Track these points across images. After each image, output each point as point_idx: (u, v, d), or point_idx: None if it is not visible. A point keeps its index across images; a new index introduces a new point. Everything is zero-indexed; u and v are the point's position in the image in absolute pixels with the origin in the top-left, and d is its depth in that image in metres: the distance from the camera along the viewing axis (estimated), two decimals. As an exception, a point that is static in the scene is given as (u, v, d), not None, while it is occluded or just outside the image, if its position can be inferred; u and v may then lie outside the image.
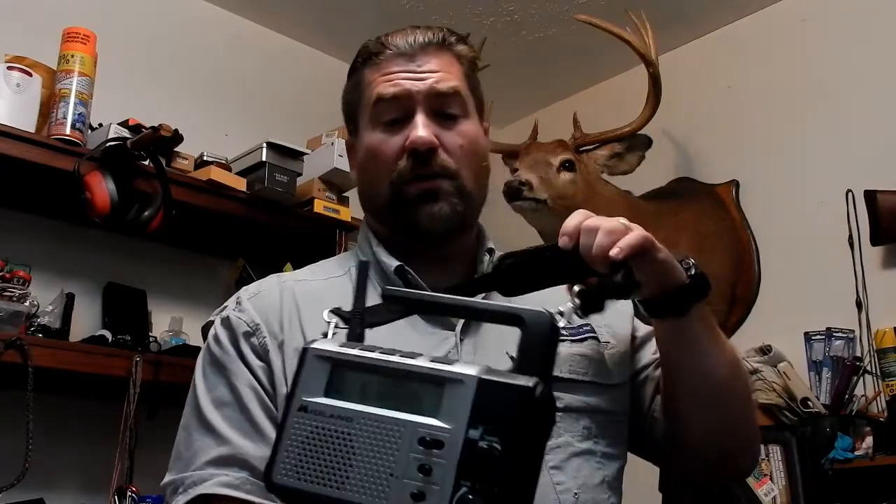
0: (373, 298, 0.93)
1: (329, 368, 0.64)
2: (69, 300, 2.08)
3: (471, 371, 0.60)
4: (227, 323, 1.02)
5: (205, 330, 1.09)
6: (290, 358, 0.97)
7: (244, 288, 1.10)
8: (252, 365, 0.98)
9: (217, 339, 1.02)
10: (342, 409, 0.62)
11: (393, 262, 1.03)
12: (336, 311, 0.96)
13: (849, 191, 2.36)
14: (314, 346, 0.66)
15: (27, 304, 1.91)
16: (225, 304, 1.08)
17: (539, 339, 0.62)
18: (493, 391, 0.59)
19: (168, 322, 2.34)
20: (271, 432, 0.92)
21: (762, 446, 2.16)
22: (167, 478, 0.98)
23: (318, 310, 0.98)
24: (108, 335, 2.05)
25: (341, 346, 0.66)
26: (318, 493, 0.61)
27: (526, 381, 0.59)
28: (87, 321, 2.19)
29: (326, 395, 0.63)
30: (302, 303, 1.01)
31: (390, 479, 0.59)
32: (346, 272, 1.07)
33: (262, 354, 0.98)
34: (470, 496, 0.57)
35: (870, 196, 2.27)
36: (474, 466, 0.57)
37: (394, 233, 1.06)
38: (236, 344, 1.00)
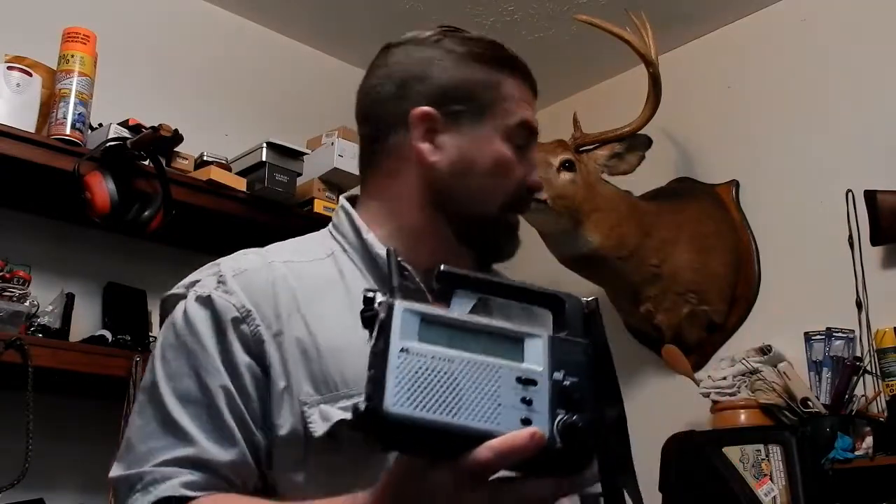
0: (365, 280, 0.95)
1: (418, 321, 0.68)
2: (69, 300, 2.08)
3: (540, 331, 0.72)
4: (207, 303, 0.92)
5: (168, 303, 0.98)
6: (290, 350, 0.91)
7: (221, 261, 0.99)
8: (234, 361, 0.89)
9: (189, 321, 0.92)
10: (442, 353, 0.67)
11: (382, 250, 0.97)
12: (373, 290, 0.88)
13: (849, 191, 2.36)
14: (399, 302, 0.69)
15: (27, 304, 1.91)
16: (195, 278, 0.97)
17: (576, 317, 0.75)
18: (562, 345, 0.72)
19: (168, 322, 2.34)
20: (239, 437, 0.88)
21: (763, 446, 2.16)
22: (116, 471, 0.90)
23: (317, 297, 0.94)
24: (108, 335, 2.06)
25: (424, 306, 0.70)
26: (434, 419, 0.65)
27: (583, 340, 0.73)
28: (87, 321, 2.19)
29: (423, 342, 0.67)
30: (299, 289, 0.94)
31: (498, 408, 0.66)
32: (330, 255, 1.01)
33: (253, 345, 0.90)
34: (569, 419, 0.67)
35: (870, 196, 2.27)
36: (563, 399, 0.68)
37: (462, 240, 1.01)
38: (219, 332, 0.90)
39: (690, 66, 2.92)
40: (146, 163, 2.03)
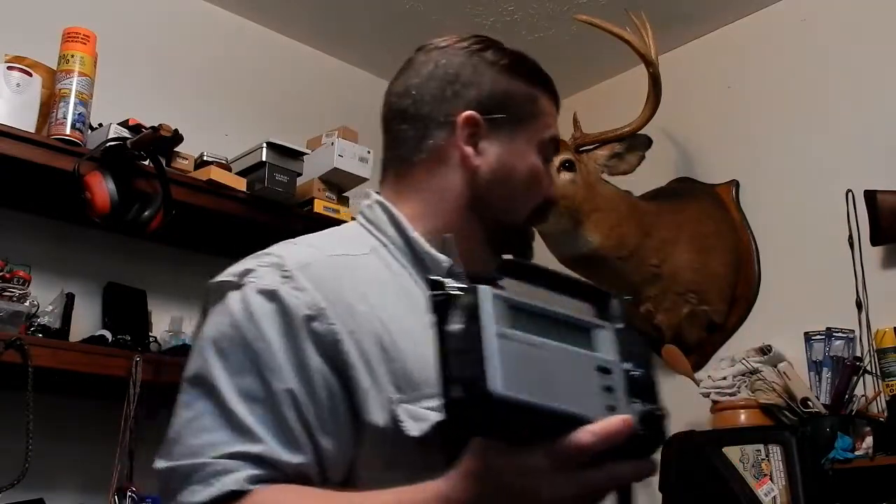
0: (412, 278, 0.96)
1: (505, 307, 0.69)
2: (69, 300, 2.08)
3: (603, 321, 0.76)
4: (274, 298, 0.88)
5: (215, 291, 0.94)
6: (369, 348, 0.88)
7: (275, 252, 0.95)
8: (306, 363, 0.86)
9: (252, 314, 0.88)
10: (531, 339, 0.69)
11: (443, 259, 0.97)
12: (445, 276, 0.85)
13: (849, 191, 2.36)
14: (485, 287, 0.70)
15: (27, 304, 1.91)
16: (247, 267, 0.93)
17: (621, 313, 0.78)
18: (625, 337, 0.75)
19: (168, 322, 2.34)
20: (305, 442, 0.84)
21: (763, 446, 2.16)
22: (163, 463, 0.87)
23: (379, 293, 0.92)
24: (108, 335, 2.05)
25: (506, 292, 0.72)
26: (535, 402, 0.66)
27: (641, 333, 0.78)
28: (87, 321, 2.19)
29: (513, 327, 0.69)
30: (361, 284, 0.92)
31: (585, 394, 0.70)
32: (371, 251, 0.99)
33: (329, 346, 0.86)
34: (649, 408, 0.72)
35: (870, 196, 2.27)
36: (635, 388, 0.72)
37: (490, 243, 1.04)
38: (289, 331, 0.86)
39: (690, 66, 2.92)
40: (146, 163, 2.03)
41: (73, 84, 1.98)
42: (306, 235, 1.03)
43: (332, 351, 0.87)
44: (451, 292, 0.70)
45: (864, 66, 2.50)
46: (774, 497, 2.12)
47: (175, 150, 2.16)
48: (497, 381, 0.65)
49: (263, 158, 2.26)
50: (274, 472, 0.82)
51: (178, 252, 2.47)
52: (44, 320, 1.96)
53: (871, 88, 2.47)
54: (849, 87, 2.52)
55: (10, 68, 1.94)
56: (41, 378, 1.82)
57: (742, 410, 2.26)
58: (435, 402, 0.83)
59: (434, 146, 1.03)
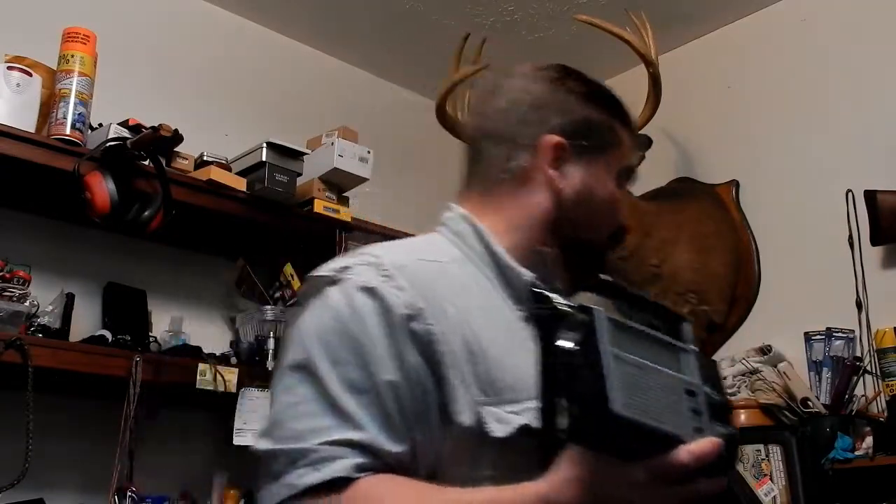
0: (495, 290, 1.01)
1: (613, 328, 0.75)
2: (69, 300, 2.08)
3: (688, 345, 0.80)
4: (374, 295, 0.92)
5: (314, 284, 0.98)
6: (459, 350, 0.92)
7: (372, 251, 0.99)
8: (404, 358, 0.90)
9: (355, 309, 0.91)
10: (637, 360, 0.74)
11: (525, 273, 1.03)
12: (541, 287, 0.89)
13: (849, 191, 2.36)
14: (598, 309, 0.76)
15: (27, 304, 1.91)
16: (345, 264, 0.97)
17: (693, 337, 0.83)
18: (703, 361, 0.80)
19: (168, 322, 2.34)
20: (404, 433, 0.88)
21: (763, 446, 2.16)
22: (266, 445, 0.89)
23: (467, 299, 0.97)
24: (108, 335, 2.05)
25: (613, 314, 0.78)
26: (650, 424, 0.73)
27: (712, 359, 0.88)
28: (87, 321, 2.19)
29: (619, 349, 0.74)
30: (451, 289, 0.97)
31: (679, 415, 0.75)
32: (456, 261, 1.03)
33: (425, 344, 0.90)
34: (729, 431, 0.78)
35: (870, 196, 2.27)
36: (715, 411, 0.78)
37: (567, 262, 1.07)
38: (389, 327, 0.90)
39: (690, 66, 2.92)
40: (146, 163, 2.03)
41: (73, 84, 1.98)
42: (392, 242, 1.08)
43: (427, 349, 0.91)
44: (562, 308, 0.75)
45: (864, 66, 2.50)
46: (774, 497, 2.12)
47: (175, 150, 2.16)
48: (618, 401, 0.71)
49: (263, 158, 2.26)
50: (376, 461, 0.86)
51: (178, 252, 2.47)
52: (44, 320, 1.96)
53: (871, 88, 2.47)
54: (849, 87, 2.52)
55: (10, 68, 1.94)
56: (41, 378, 1.82)
57: (742, 410, 2.26)
58: (519, 407, 0.90)
59: (519, 167, 1.07)
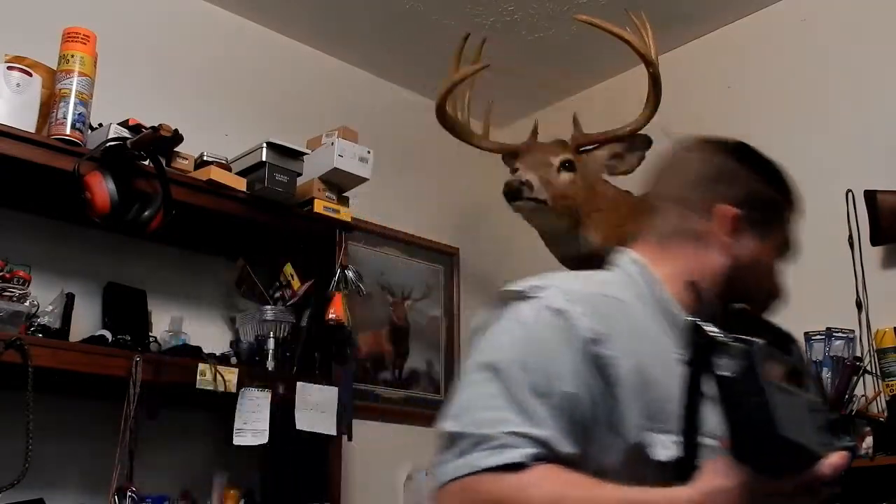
0: (662, 331, 1.12)
1: (762, 356, 0.85)
2: (69, 300, 2.08)
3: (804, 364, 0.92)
4: (562, 316, 1.05)
5: (506, 296, 1.11)
6: (631, 377, 1.04)
7: (557, 277, 1.13)
8: (583, 377, 1.02)
9: (544, 325, 1.05)
10: (782, 385, 0.85)
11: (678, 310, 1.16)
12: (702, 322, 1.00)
13: (849, 191, 2.36)
14: (757, 341, 0.87)
15: (27, 304, 1.91)
16: (536, 283, 1.10)
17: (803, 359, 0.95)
18: (815, 380, 0.91)
19: (168, 322, 2.34)
20: (577, 439, 1.00)
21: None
22: (453, 426, 1.01)
23: (639, 334, 1.09)
24: (108, 335, 2.05)
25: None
26: (802, 443, 0.83)
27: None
28: (87, 321, 2.19)
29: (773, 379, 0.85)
30: (626, 323, 1.09)
31: (813, 433, 0.85)
32: (630, 299, 1.15)
33: (602, 367, 1.03)
34: (848, 444, 0.88)
35: (870, 196, 2.27)
36: (834, 426, 0.88)
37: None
38: (573, 345, 1.03)
39: (690, 66, 2.92)
40: (146, 163, 2.03)
41: (73, 84, 1.98)
42: (573, 274, 1.24)
43: (604, 371, 1.03)
44: (722, 339, 0.86)
45: (864, 66, 2.50)
46: (774, 497, 2.12)
47: (175, 150, 2.16)
48: (783, 426, 0.81)
49: (263, 158, 2.26)
50: (551, 456, 0.97)
51: (178, 252, 2.47)
52: (44, 320, 1.96)
53: (871, 88, 2.47)
54: (849, 87, 2.52)
55: (10, 68, 1.94)
56: (41, 378, 1.82)
57: (742, 410, 2.26)
58: (678, 439, 1.02)
59: (696, 229, 1.19)
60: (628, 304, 1.13)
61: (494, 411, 0.99)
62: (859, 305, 2.29)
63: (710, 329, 0.87)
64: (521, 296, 1.09)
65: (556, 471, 0.97)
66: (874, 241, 2.29)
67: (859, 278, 2.32)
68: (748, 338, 0.85)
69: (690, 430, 0.97)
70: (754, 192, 1.21)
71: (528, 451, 0.96)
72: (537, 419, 0.98)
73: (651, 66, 2.36)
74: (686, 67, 2.90)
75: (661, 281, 1.17)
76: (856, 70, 2.51)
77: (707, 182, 1.22)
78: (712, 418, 0.97)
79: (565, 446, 0.98)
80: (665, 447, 1.03)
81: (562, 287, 1.09)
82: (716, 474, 0.91)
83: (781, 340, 0.93)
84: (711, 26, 2.89)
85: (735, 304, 0.95)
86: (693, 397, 0.94)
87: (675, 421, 1.02)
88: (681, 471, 0.97)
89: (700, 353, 0.86)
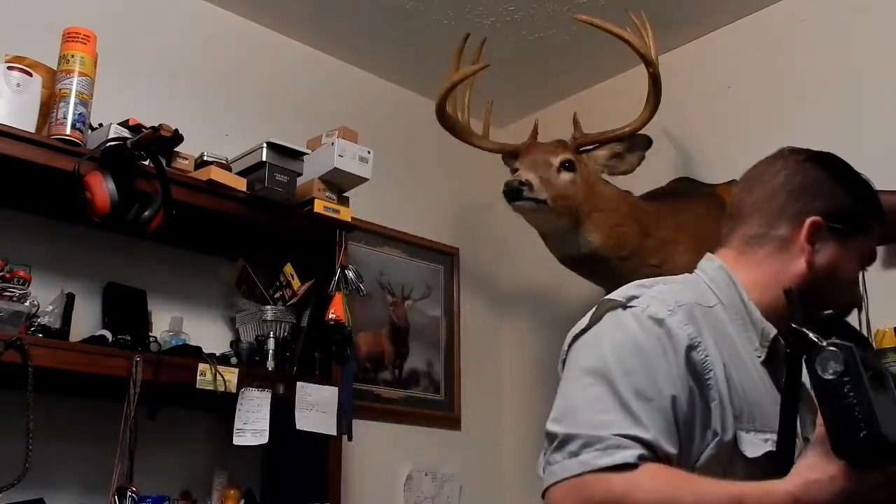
0: (746, 336, 1.20)
1: (858, 359, 0.92)
2: (69, 300, 2.08)
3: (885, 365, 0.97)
4: (662, 325, 1.12)
5: (608, 306, 1.17)
6: (722, 381, 1.12)
7: (652, 286, 1.20)
8: (684, 381, 1.09)
9: (647, 332, 1.12)
10: (875, 386, 0.91)
11: (772, 331, 1.22)
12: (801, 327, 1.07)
13: (849, 191, 2.36)
14: (851, 346, 0.93)
15: (27, 304, 1.91)
16: (632, 294, 1.17)
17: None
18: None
19: (168, 322, 2.34)
20: (677, 439, 1.08)
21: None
22: (560, 428, 1.07)
23: (725, 340, 1.17)
24: (108, 335, 2.05)
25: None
26: None
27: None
28: (87, 321, 2.19)
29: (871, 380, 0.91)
30: (714, 329, 1.17)
31: None
32: (716, 306, 1.22)
33: (700, 372, 1.11)
34: None
35: (870, 196, 2.27)
36: None
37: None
38: (675, 353, 1.10)
39: (690, 66, 2.92)
40: (146, 163, 2.03)
41: (74, 84, 1.98)
42: (666, 281, 1.28)
43: (700, 376, 1.12)
44: (826, 344, 0.93)
45: (863, 66, 2.50)
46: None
47: (175, 150, 2.16)
48: (886, 425, 0.88)
49: (263, 158, 2.26)
50: (655, 457, 1.04)
51: (178, 252, 2.47)
52: (44, 320, 1.96)
53: (870, 88, 2.47)
54: (849, 87, 2.52)
55: (10, 68, 1.94)
56: (41, 378, 1.82)
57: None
58: (765, 436, 1.12)
59: (781, 236, 1.26)
60: (716, 311, 1.21)
61: (602, 414, 1.06)
62: (859, 305, 2.29)
63: (813, 335, 0.95)
64: (620, 305, 1.16)
65: (663, 470, 1.04)
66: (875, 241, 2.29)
67: (859, 278, 2.32)
68: (845, 342, 0.92)
69: (789, 427, 1.06)
70: (839, 203, 1.27)
71: (637, 451, 1.03)
72: (642, 422, 1.05)
73: (651, 66, 2.36)
74: (686, 67, 2.90)
75: (744, 288, 1.24)
76: (855, 70, 2.51)
77: (794, 192, 1.28)
78: (805, 417, 1.11)
79: (667, 447, 1.05)
80: (754, 445, 1.11)
81: (659, 297, 1.17)
82: (811, 468, 0.98)
83: (864, 343, 0.98)
84: (711, 26, 2.89)
85: (824, 311, 1.01)
86: (793, 397, 1.04)
87: (763, 419, 1.12)
88: (776, 466, 1.05)
89: (801, 356, 0.95)
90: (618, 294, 1.20)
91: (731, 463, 1.11)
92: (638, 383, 1.08)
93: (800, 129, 2.60)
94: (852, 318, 2.31)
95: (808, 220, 1.24)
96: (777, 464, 1.06)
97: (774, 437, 1.12)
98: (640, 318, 1.13)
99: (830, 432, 0.93)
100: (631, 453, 1.02)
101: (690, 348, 1.11)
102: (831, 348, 0.93)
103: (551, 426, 1.10)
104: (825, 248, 1.25)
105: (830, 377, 0.91)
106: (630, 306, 1.15)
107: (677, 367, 1.10)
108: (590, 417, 1.07)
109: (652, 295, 1.17)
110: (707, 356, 1.12)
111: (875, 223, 1.32)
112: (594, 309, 1.20)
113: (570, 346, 1.20)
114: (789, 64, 2.68)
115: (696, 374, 1.11)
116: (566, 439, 1.06)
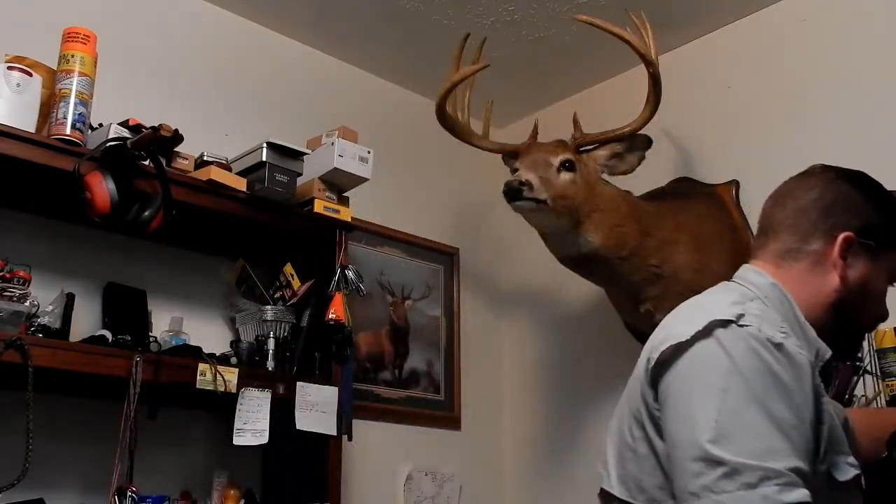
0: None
1: None
2: (69, 300, 2.08)
3: None
4: (782, 350, 1.13)
5: (716, 324, 1.15)
6: (829, 412, 1.16)
7: (746, 305, 1.19)
8: (811, 406, 1.12)
9: (776, 358, 1.11)
10: None
11: (828, 351, 1.27)
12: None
13: (849, 191, 2.35)
14: None
15: (27, 304, 1.91)
16: (740, 312, 1.16)
17: None
18: None
19: (168, 322, 2.34)
20: (812, 471, 1.09)
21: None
22: (721, 452, 1.04)
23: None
24: (108, 335, 2.05)
25: None
26: None
27: None
28: (87, 321, 2.19)
29: None
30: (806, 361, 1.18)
31: None
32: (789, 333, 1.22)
33: (817, 396, 1.14)
34: None
35: (870, 196, 2.27)
36: None
37: (836, 338, 1.30)
38: (802, 378, 1.12)
39: (690, 66, 2.92)
40: (146, 163, 2.03)
41: (74, 84, 1.98)
42: (744, 294, 1.27)
43: (818, 400, 1.14)
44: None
45: (863, 66, 2.50)
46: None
47: (175, 150, 2.16)
48: None
49: (263, 158, 2.26)
50: (807, 490, 1.05)
51: (178, 252, 2.47)
52: (44, 320, 1.96)
53: (870, 88, 2.47)
54: (849, 87, 2.52)
55: (10, 68, 1.94)
56: (41, 378, 1.82)
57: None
58: (850, 459, 1.17)
59: (814, 251, 1.30)
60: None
61: (761, 440, 1.05)
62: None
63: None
64: (731, 322, 1.15)
65: None
66: (874, 241, 2.29)
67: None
68: None
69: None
70: (870, 219, 1.31)
71: (806, 490, 1.04)
72: (799, 451, 1.06)
73: (651, 66, 2.36)
74: (686, 67, 2.90)
75: (800, 310, 1.27)
76: (855, 70, 2.51)
77: (826, 208, 1.31)
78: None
79: (810, 475, 1.07)
80: (843, 469, 1.16)
81: (763, 315, 1.17)
82: None
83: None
84: (711, 26, 2.90)
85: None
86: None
87: (842, 442, 1.17)
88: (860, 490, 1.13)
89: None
90: (719, 310, 1.17)
91: (827, 490, 1.13)
92: (784, 411, 1.08)
93: (800, 130, 2.60)
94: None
95: (841, 236, 1.27)
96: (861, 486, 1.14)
97: (850, 460, 1.17)
98: (761, 340, 1.13)
99: None
100: (804, 493, 1.03)
101: (811, 374, 1.14)
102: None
103: (714, 450, 1.06)
104: (857, 264, 1.29)
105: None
106: (743, 324, 1.14)
107: (805, 393, 1.11)
108: (755, 444, 1.05)
109: (755, 313, 1.17)
110: (819, 382, 1.15)
111: None
112: (686, 321, 1.18)
113: (666, 356, 1.17)
114: (789, 64, 2.68)
115: (816, 398, 1.13)
116: (739, 468, 1.04)
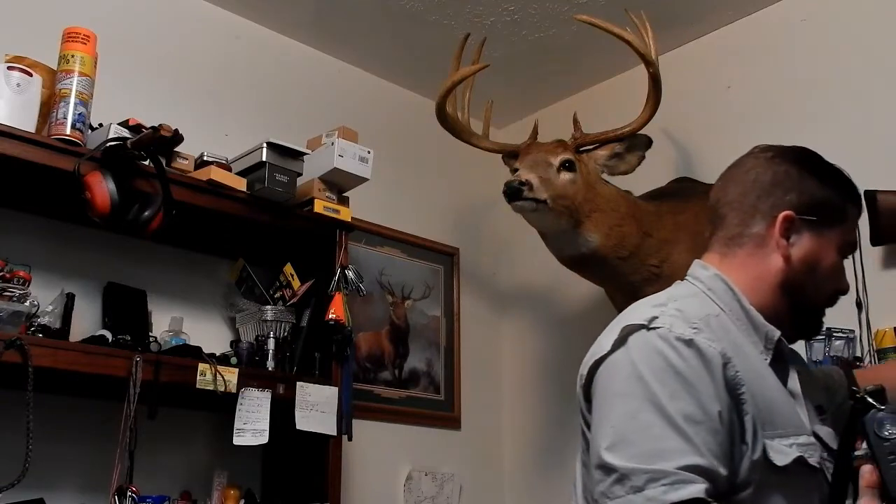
0: (751, 340, 1.21)
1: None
2: (69, 300, 2.08)
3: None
4: (692, 345, 1.12)
5: (626, 330, 1.15)
6: (749, 393, 1.13)
7: (670, 303, 1.20)
8: (722, 398, 1.10)
9: (680, 355, 1.10)
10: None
11: (776, 333, 1.25)
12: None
13: (849, 191, 2.36)
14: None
15: (27, 304, 1.91)
16: (651, 315, 1.16)
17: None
18: None
19: (168, 322, 2.34)
20: (726, 459, 1.08)
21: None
22: (614, 458, 1.05)
23: (742, 350, 1.17)
24: (108, 335, 2.05)
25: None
26: None
27: None
28: (87, 321, 2.19)
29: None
30: (734, 339, 1.19)
31: None
32: (722, 314, 1.23)
33: (733, 387, 1.12)
34: None
35: (870, 196, 2.27)
36: None
37: (792, 319, 1.29)
38: (710, 372, 1.10)
39: (690, 66, 2.92)
40: (146, 163, 2.03)
41: (74, 84, 1.98)
42: (672, 293, 1.28)
43: (734, 391, 1.12)
44: (881, 408, 1.03)
45: (863, 66, 2.50)
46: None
47: (175, 150, 2.16)
48: None
49: (263, 158, 2.26)
50: (715, 486, 1.04)
51: (178, 252, 2.47)
52: (44, 320, 1.96)
53: (870, 88, 2.47)
54: (849, 87, 2.52)
55: (10, 68, 1.94)
56: (41, 378, 1.82)
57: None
58: (790, 441, 1.14)
59: (757, 234, 1.28)
60: (722, 320, 1.21)
61: (658, 441, 1.05)
62: (859, 305, 2.29)
63: (871, 400, 1.04)
64: (643, 327, 1.14)
65: None
66: (874, 242, 2.29)
67: (859, 278, 2.32)
68: None
69: (842, 481, 1.09)
70: (810, 194, 1.28)
71: (703, 486, 1.02)
72: (699, 448, 1.04)
73: (651, 66, 2.36)
74: (686, 67, 2.90)
75: (743, 294, 1.25)
76: (856, 70, 2.51)
77: (764, 189, 1.28)
78: (808, 411, 1.20)
79: (721, 469, 1.05)
80: (781, 452, 1.13)
81: (678, 315, 1.16)
82: None
83: None
84: (711, 26, 2.90)
85: (871, 386, 1.06)
86: (847, 454, 1.09)
87: (783, 422, 1.14)
88: (808, 470, 1.13)
89: (861, 417, 1.04)
90: (636, 316, 1.18)
91: (764, 475, 1.12)
92: (686, 407, 1.07)
93: (799, 129, 2.59)
94: (852, 319, 2.34)
95: (781, 215, 1.25)
96: (808, 469, 1.12)
97: (798, 440, 1.14)
98: (668, 339, 1.12)
99: (883, 484, 1.02)
100: (698, 488, 1.02)
101: (724, 366, 1.12)
102: (890, 413, 1.03)
103: (607, 457, 1.07)
104: (801, 242, 1.26)
105: (887, 437, 1.02)
106: (653, 327, 1.14)
107: (716, 386, 1.09)
108: (647, 446, 1.05)
109: (671, 314, 1.16)
110: (738, 371, 1.12)
111: (853, 210, 1.32)
112: (609, 333, 1.19)
113: (591, 371, 1.18)
114: (789, 64, 2.68)
115: (731, 389, 1.11)
116: (628, 473, 1.04)
